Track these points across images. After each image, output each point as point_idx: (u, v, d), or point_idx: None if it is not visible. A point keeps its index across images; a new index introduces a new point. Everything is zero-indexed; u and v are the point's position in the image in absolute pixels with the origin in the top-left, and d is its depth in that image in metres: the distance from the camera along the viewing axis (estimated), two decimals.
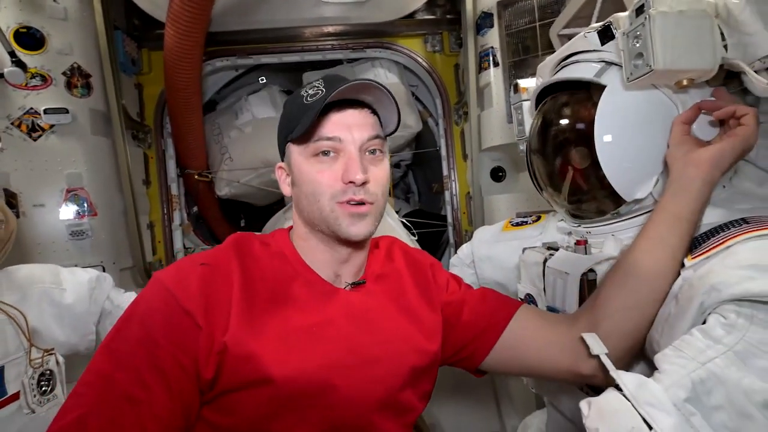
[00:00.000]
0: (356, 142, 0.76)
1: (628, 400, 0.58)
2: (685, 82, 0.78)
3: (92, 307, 1.27)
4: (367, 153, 0.78)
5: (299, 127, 0.74)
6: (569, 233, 1.11)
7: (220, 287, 0.70)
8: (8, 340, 1.03)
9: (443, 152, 2.47)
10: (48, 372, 1.11)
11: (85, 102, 1.72)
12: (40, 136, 1.58)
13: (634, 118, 0.88)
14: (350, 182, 0.74)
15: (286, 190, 0.84)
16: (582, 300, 0.92)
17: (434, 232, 2.58)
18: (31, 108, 1.57)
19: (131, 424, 0.60)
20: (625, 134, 0.88)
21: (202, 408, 0.68)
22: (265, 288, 0.74)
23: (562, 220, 1.15)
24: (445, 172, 2.48)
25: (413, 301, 0.86)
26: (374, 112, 0.81)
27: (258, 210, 2.91)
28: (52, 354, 1.12)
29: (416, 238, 2.01)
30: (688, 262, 0.74)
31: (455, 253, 1.52)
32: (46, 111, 1.59)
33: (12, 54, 1.46)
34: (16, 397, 1.03)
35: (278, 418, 0.69)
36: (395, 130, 0.84)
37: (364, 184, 0.75)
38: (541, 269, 1.04)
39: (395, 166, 3.15)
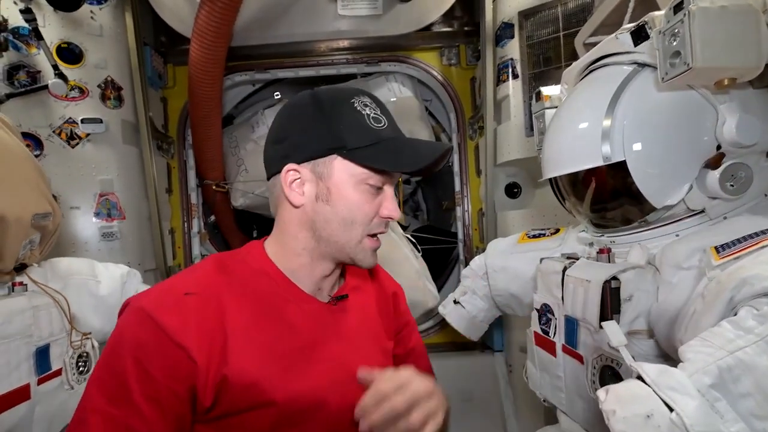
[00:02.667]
0: (395, 182, 0.80)
1: (649, 386, 0.58)
2: (726, 82, 0.75)
3: (123, 300, 1.38)
4: None
5: (374, 155, 0.74)
6: (590, 244, 1.10)
7: (211, 317, 0.69)
8: (53, 322, 1.14)
9: (456, 168, 2.47)
10: (85, 354, 1.23)
11: (117, 113, 1.87)
12: (77, 143, 1.72)
13: (668, 121, 0.86)
14: (388, 218, 0.79)
15: (296, 198, 0.77)
16: (603, 309, 0.89)
17: (443, 249, 2.60)
18: (70, 118, 1.72)
19: None
20: (658, 139, 0.87)
21: (195, 425, 0.69)
22: (255, 311, 0.74)
23: (583, 230, 1.14)
24: (457, 188, 2.49)
25: (376, 319, 0.93)
26: None
27: (269, 221, 3.02)
28: (89, 338, 1.24)
29: (421, 254, 2.04)
30: (715, 261, 0.75)
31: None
32: (83, 120, 1.73)
33: (55, 67, 1.61)
34: (58, 373, 1.14)
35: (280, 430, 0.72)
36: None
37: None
38: (560, 278, 1.03)
39: (405, 182, 3.18)
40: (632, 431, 0.55)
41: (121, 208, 1.85)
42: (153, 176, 2.01)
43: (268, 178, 0.81)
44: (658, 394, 0.56)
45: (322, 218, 0.76)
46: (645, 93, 0.90)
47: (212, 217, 2.75)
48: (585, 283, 0.94)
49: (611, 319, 0.87)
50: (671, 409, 0.55)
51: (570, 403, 1.03)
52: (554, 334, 1.06)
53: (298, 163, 0.76)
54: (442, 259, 2.79)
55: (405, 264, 1.96)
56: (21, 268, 1.14)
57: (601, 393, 0.61)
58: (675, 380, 0.57)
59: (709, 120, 0.84)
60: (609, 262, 0.97)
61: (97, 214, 1.78)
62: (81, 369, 1.22)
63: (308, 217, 0.77)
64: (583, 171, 0.98)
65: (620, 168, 0.91)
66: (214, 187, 2.52)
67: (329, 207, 0.75)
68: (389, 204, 0.78)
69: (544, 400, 1.18)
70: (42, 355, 1.10)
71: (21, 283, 1.12)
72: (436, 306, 1.88)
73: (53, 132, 1.67)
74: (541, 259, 1.14)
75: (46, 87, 1.61)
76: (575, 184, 1.06)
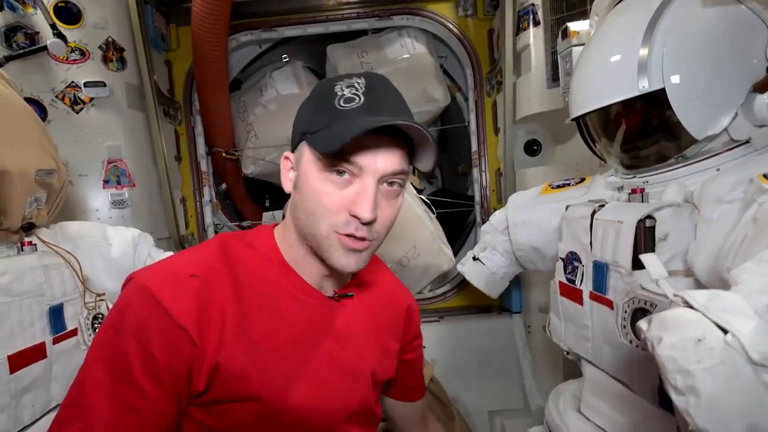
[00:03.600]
0: (377, 173, 0.70)
1: (698, 311, 0.53)
2: None
3: (136, 263, 1.42)
4: (384, 184, 0.72)
5: (322, 136, 0.69)
6: (620, 189, 1.06)
7: (213, 302, 0.69)
8: (66, 282, 1.16)
9: (473, 126, 2.40)
10: (100, 315, 1.25)
11: (120, 76, 1.82)
12: (81, 109, 1.69)
13: (713, 43, 0.81)
14: (355, 216, 0.70)
15: (287, 185, 0.78)
16: (637, 251, 0.86)
17: (459, 213, 2.55)
18: (72, 81, 1.68)
19: (135, 428, 0.64)
20: (701, 63, 0.82)
21: (189, 407, 0.71)
22: (255, 300, 0.73)
23: (612, 175, 1.10)
24: (474, 148, 2.42)
25: (381, 323, 0.91)
26: (406, 140, 0.73)
27: (281, 191, 3.00)
28: (103, 300, 1.26)
29: (435, 215, 2.00)
30: (765, 185, 0.72)
31: None
32: (86, 84, 1.69)
33: (53, 27, 1.57)
34: (74, 333, 1.16)
35: (264, 428, 0.73)
36: (428, 172, 0.85)
37: (370, 222, 0.70)
38: (588, 222, 1.00)
39: None
40: (681, 356, 0.51)
41: (131, 176, 1.83)
42: (161, 143, 1.98)
43: None
44: (709, 318, 0.52)
45: (298, 207, 0.75)
46: (686, 14, 0.84)
47: (223, 186, 2.73)
48: (616, 224, 0.91)
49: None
50: (725, 332, 0.50)
51: (597, 351, 1.02)
52: (581, 282, 1.03)
53: (292, 150, 0.78)
54: (459, 223, 2.74)
55: (419, 226, 1.92)
56: (29, 228, 1.14)
57: (642, 323, 0.57)
58: (728, 302, 0.52)
59: (759, 39, 0.79)
60: (642, 202, 0.93)
61: (106, 182, 1.76)
62: (97, 329, 1.23)
63: (292, 206, 0.77)
64: (617, 106, 0.92)
65: (657, 99, 0.86)
66: (223, 155, 2.50)
67: (299, 195, 0.75)
68: (359, 199, 0.69)
69: (567, 353, 1.16)
70: (56, 315, 1.11)
71: (30, 243, 1.12)
72: (452, 268, 1.90)
73: (56, 97, 1.64)
74: (567, 207, 1.11)
75: (45, 48, 1.57)
76: (606, 123, 1.01)
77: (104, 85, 1.74)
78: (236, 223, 2.68)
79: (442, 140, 3.06)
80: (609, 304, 0.95)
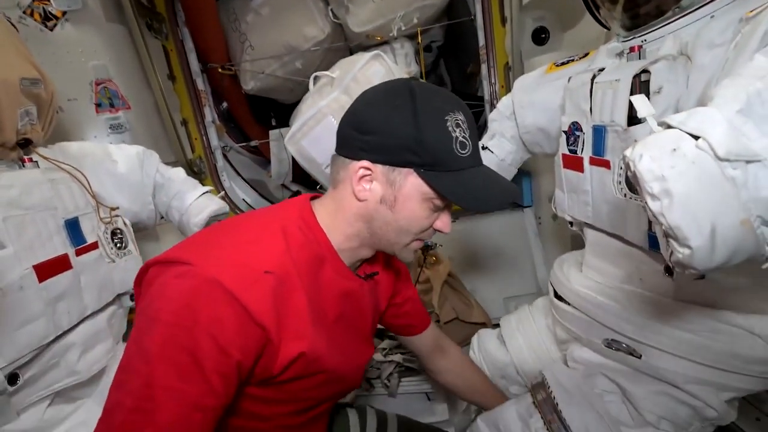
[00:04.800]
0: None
1: (676, 128, 0.58)
2: None
3: (145, 179, 1.44)
4: None
5: (449, 182, 0.74)
6: (620, 54, 1.05)
7: (288, 299, 0.71)
8: (76, 196, 1.17)
9: (479, 20, 2.20)
10: (118, 231, 1.28)
11: None
12: (55, 25, 1.54)
13: None
14: (440, 230, 0.84)
15: (362, 193, 0.78)
16: (632, 107, 0.89)
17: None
18: None
19: (200, 426, 0.62)
20: None
21: (247, 387, 0.73)
22: (316, 286, 0.79)
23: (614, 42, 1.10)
24: (481, 43, 2.23)
25: (383, 291, 1.03)
26: None
27: (287, 108, 2.83)
28: (118, 215, 1.29)
29: None
30: (747, 15, 0.74)
31: None
32: None
33: None
34: (95, 246, 1.20)
35: (318, 389, 0.83)
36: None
37: None
38: (588, 88, 1.04)
39: (426, 49, 2.85)
40: (657, 165, 0.55)
41: (124, 97, 1.69)
42: (149, 59, 1.81)
43: (338, 153, 0.81)
44: (684, 130, 0.57)
45: (381, 219, 0.79)
46: None
47: (224, 105, 2.56)
48: (614, 83, 0.95)
49: (639, 120, 0.89)
50: (696, 138, 0.55)
51: (596, 212, 1.10)
52: (582, 149, 1.09)
53: (374, 162, 0.76)
54: None
55: None
56: (25, 144, 1.11)
57: (627, 151, 0.60)
58: (701, 115, 0.57)
59: None
60: (640, 59, 0.96)
61: (98, 105, 1.64)
62: (118, 245, 1.28)
63: (368, 213, 0.79)
64: None
65: None
66: (220, 70, 2.31)
67: (391, 213, 0.78)
68: (446, 219, 0.83)
69: (571, 224, 1.26)
70: (73, 228, 1.14)
71: (31, 160, 1.11)
72: None
73: (24, 12, 1.48)
74: (569, 78, 1.16)
75: None
76: None
77: None
78: (242, 144, 2.55)
79: (448, 46, 2.89)
80: (606, 164, 1.02)
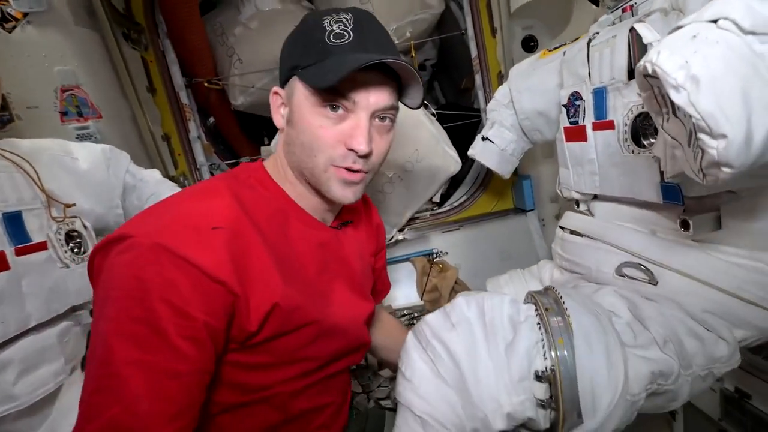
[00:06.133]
0: (370, 108, 0.73)
1: (690, 24, 0.55)
2: None
3: (112, 179, 1.28)
4: (376, 119, 0.75)
5: (315, 72, 0.70)
6: (612, 23, 1.04)
7: (246, 250, 0.68)
8: (21, 188, 1.02)
9: (470, 31, 2.20)
10: (75, 233, 1.12)
11: None
12: (14, 27, 1.37)
13: None
14: (352, 150, 0.73)
15: (278, 121, 0.79)
16: (632, 60, 0.90)
17: (466, 125, 2.41)
18: None
19: (178, 393, 0.59)
20: None
21: (229, 354, 0.69)
22: (280, 239, 0.75)
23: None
24: (473, 53, 2.23)
25: (366, 242, 1.01)
26: (396, 76, 0.76)
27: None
28: (76, 217, 1.13)
29: (436, 117, 1.92)
30: None
31: None
32: None
33: None
34: (42, 246, 1.03)
35: (314, 346, 0.78)
36: (417, 107, 0.80)
37: (366, 155, 0.74)
38: (585, 53, 1.04)
39: (420, 68, 2.87)
40: (679, 55, 0.51)
41: (94, 105, 1.52)
42: (126, 68, 1.65)
43: None
44: (700, 21, 0.53)
45: (292, 142, 0.77)
46: None
47: (211, 120, 2.39)
48: (611, 41, 0.96)
49: None
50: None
51: (604, 179, 1.08)
52: (583, 117, 1.08)
53: (282, 86, 0.78)
54: (466, 136, 2.48)
55: (420, 129, 1.73)
56: None
57: (643, 59, 0.56)
58: (715, 4, 0.53)
59: None
60: (632, 17, 0.96)
61: (64, 114, 1.48)
62: (75, 249, 1.11)
63: (286, 142, 0.78)
64: None
65: None
66: (206, 84, 2.16)
67: (293, 130, 0.76)
68: (355, 133, 0.73)
69: (577, 204, 1.22)
70: (13, 223, 0.99)
71: None
72: (458, 171, 1.79)
73: None
74: (564, 52, 1.16)
75: None
76: None
77: None
78: (232, 162, 2.38)
79: (440, 59, 2.95)
80: (610, 125, 1.01)
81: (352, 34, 0.70)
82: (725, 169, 0.53)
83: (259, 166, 0.82)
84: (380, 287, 1.15)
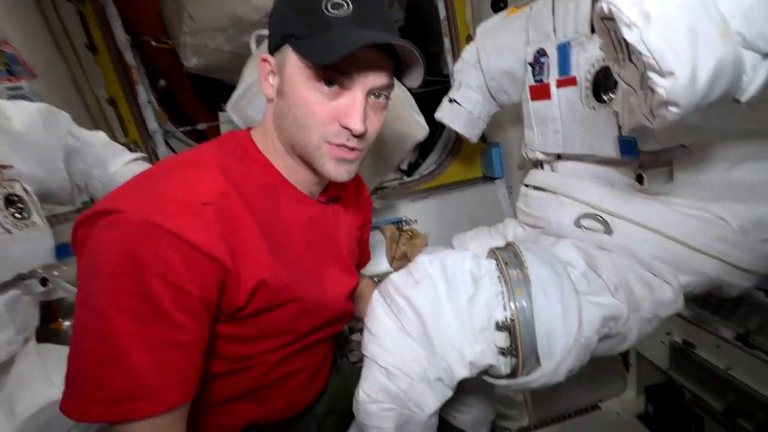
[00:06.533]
0: (366, 86, 0.71)
1: None
2: None
3: (51, 140, 1.21)
4: (372, 97, 0.73)
5: (313, 45, 0.66)
6: None
7: (236, 227, 0.68)
8: None
9: None
10: (16, 197, 1.06)
11: None
12: None
13: None
14: (346, 128, 0.72)
15: (268, 90, 0.76)
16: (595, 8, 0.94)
17: (436, 92, 2.31)
18: None
19: (180, 361, 0.61)
20: None
21: (217, 326, 0.70)
22: (270, 214, 0.75)
23: None
24: (442, 15, 2.19)
25: (354, 216, 1.01)
26: (394, 53, 0.73)
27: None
28: (15, 180, 1.06)
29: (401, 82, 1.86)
30: None
31: None
32: None
33: None
34: None
35: (299, 320, 0.79)
36: (416, 87, 0.80)
37: (361, 133, 0.73)
38: (550, 7, 1.05)
39: None
40: None
41: (26, 63, 1.39)
42: (60, 24, 1.52)
43: None
44: None
45: (283, 115, 0.74)
46: None
47: (161, 82, 2.26)
48: None
49: None
50: None
51: (566, 138, 1.11)
52: (548, 75, 1.10)
53: (271, 52, 0.74)
54: (435, 102, 2.46)
55: None
56: None
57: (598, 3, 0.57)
58: None
59: None
60: None
61: None
62: (16, 214, 1.05)
63: (276, 114, 0.76)
64: None
65: None
66: (153, 44, 2.02)
67: (285, 103, 0.73)
68: (350, 111, 0.71)
69: (541, 166, 1.24)
70: None
71: None
72: (425, 137, 1.73)
73: None
74: (531, 7, 1.16)
75: None
76: None
77: None
78: (187, 129, 2.26)
79: (409, 24, 2.85)
80: (573, 81, 1.03)
81: (350, 4, 0.67)
82: (672, 109, 0.55)
83: (246, 136, 0.80)
84: (365, 257, 1.17)
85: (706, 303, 1.46)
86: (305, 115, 0.70)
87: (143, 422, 0.58)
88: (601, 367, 1.93)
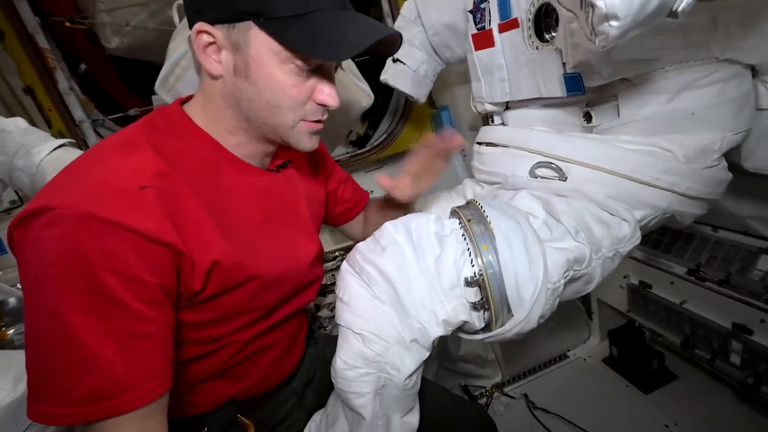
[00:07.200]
0: (337, 63, 0.74)
1: None
2: None
3: None
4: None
5: (300, 31, 0.64)
6: None
7: (180, 208, 0.65)
8: None
9: None
10: None
11: None
12: None
13: None
14: (323, 105, 0.74)
15: (213, 67, 0.69)
16: None
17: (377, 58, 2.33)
18: None
19: (153, 351, 0.60)
20: None
21: (181, 312, 0.69)
22: (215, 191, 0.73)
23: None
24: None
25: (311, 175, 1.00)
26: None
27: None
28: None
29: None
30: None
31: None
32: None
33: None
34: None
35: (263, 296, 0.78)
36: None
37: None
38: None
39: None
40: None
41: None
42: None
43: (190, 27, 0.69)
44: None
45: (245, 97, 0.71)
46: None
47: (82, 67, 2.10)
48: None
49: None
50: None
51: (513, 84, 1.12)
52: (489, 21, 1.10)
53: (212, 23, 0.66)
54: (378, 69, 2.41)
55: None
56: None
57: None
58: None
59: None
60: None
61: None
62: None
63: (230, 93, 0.72)
64: None
65: None
66: (67, 24, 1.86)
67: (250, 85, 0.69)
68: (326, 88, 0.73)
69: (492, 120, 1.27)
70: None
71: None
72: (371, 105, 1.68)
73: None
74: None
75: None
76: None
77: None
78: (117, 116, 2.12)
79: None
80: (515, 23, 1.03)
81: None
82: (613, 23, 0.58)
83: (179, 110, 0.76)
84: (357, 197, 1.16)
85: (659, 243, 1.57)
86: (281, 98, 0.70)
87: (128, 416, 0.57)
88: (567, 317, 2.05)
